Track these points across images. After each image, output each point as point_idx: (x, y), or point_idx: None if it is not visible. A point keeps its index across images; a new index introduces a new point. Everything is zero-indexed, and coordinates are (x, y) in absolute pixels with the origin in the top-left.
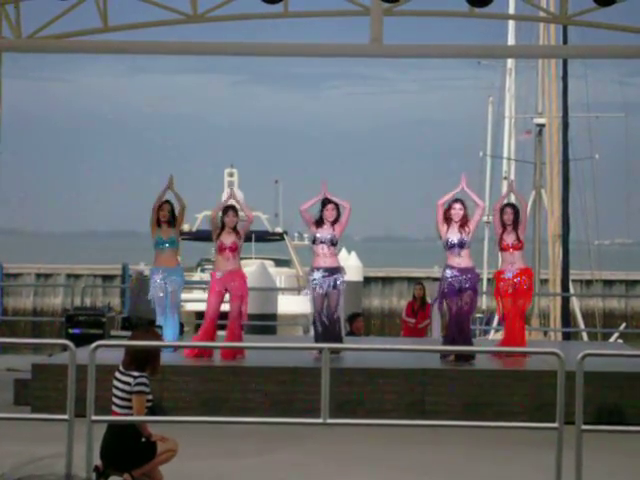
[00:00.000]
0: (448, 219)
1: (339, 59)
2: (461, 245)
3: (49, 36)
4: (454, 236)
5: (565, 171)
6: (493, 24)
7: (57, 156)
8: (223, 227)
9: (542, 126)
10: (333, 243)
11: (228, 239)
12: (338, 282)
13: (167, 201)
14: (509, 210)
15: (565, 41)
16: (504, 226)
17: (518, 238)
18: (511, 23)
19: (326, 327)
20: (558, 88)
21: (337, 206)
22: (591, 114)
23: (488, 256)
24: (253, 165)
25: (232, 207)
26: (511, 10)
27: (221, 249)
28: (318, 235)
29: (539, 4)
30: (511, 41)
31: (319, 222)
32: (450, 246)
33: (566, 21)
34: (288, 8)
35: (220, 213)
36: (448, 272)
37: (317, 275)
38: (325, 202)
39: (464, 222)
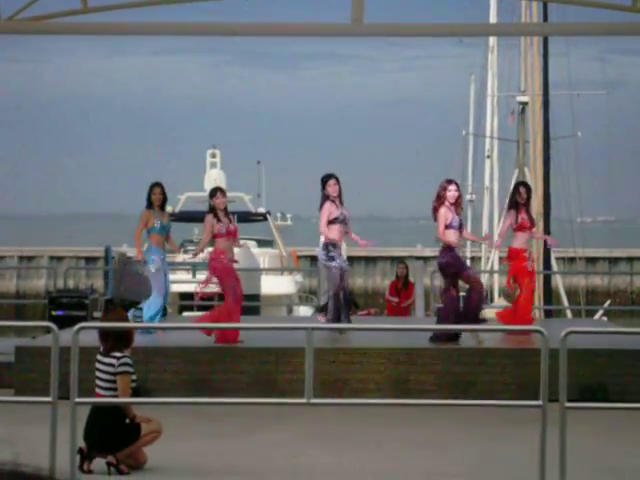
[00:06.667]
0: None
1: (321, 39)
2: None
3: (29, 18)
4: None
5: (546, 149)
6: (475, 2)
7: (39, 138)
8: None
9: (525, 104)
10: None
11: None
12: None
13: (159, 184)
14: (523, 190)
15: (545, 19)
16: (517, 205)
17: (531, 218)
18: (493, 1)
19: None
20: (540, 66)
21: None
22: (573, 92)
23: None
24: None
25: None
26: None
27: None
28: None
29: None
30: (493, 19)
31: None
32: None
33: None
34: None
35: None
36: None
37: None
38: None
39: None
